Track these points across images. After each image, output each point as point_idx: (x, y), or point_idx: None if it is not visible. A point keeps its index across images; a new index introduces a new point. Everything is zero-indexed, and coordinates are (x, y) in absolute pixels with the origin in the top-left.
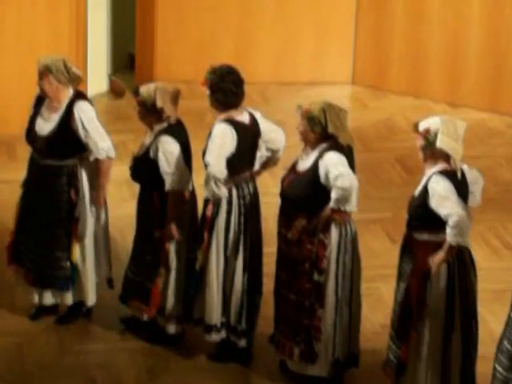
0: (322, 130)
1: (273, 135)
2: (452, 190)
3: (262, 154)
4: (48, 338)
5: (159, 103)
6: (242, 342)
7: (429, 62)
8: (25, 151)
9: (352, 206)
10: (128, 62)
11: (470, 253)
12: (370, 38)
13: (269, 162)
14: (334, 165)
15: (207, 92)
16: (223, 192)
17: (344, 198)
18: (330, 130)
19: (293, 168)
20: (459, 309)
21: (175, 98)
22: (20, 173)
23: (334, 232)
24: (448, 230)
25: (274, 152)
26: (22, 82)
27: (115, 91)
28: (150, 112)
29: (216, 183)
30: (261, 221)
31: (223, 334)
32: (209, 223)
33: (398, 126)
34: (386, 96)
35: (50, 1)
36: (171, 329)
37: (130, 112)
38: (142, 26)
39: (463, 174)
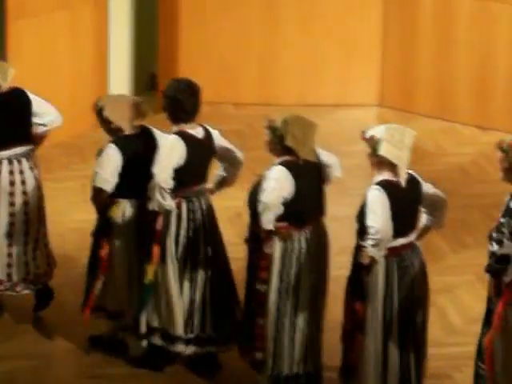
0: (281, 142)
1: (230, 156)
2: (381, 202)
3: (217, 173)
4: (66, 361)
5: (105, 112)
6: (211, 349)
7: (457, 85)
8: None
9: (263, 223)
10: (150, 82)
11: (419, 262)
12: (397, 60)
13: (224, 182)
14: (268, 179)
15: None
16: (169, 203)
17: (260, 212)
18: (288, 142)
19: (260, 177)
20: (397, 317)
21: (134, 109)
22: None
23: (278, 246)
24: (366, 240)
25: (230, 173)
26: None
27: (138, 112)
28: (104, 122)
29: (161, 193)
30: (219, 234)
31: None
32: (159, 237)
33: (426, 149)
34: (413, 119)
35: (71, 22)
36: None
37: None
38: (165, 47)
39: (415, 186)
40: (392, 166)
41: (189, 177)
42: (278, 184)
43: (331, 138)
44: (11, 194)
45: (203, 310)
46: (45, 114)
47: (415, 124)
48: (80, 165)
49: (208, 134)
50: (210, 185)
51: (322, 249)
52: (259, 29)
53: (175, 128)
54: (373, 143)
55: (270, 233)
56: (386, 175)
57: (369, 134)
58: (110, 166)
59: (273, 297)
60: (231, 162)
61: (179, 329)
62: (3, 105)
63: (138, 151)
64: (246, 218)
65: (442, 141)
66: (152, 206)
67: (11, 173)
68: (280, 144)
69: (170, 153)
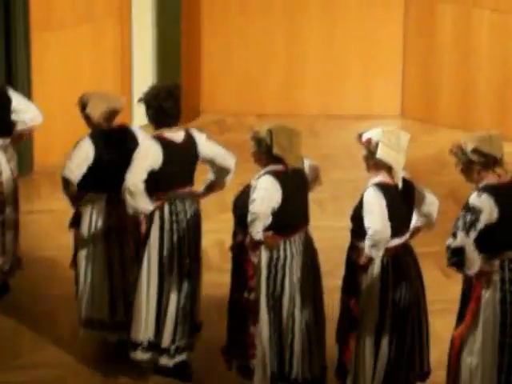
0: (268, 151)
1: (219, 160)
2: (379, 203)
3: (208, 178)
4: (93, 370)
5: (87, 109)
6: (171, 362)
7: (478, 95)
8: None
9: (254, 232)
10: None
11: (413, 262)
12: (419, 71)
13: (214, 186)
14: (257, 189)
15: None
16: (143, 206)
17: (250, 222)
18: (275, 151)
19: (247, 186)
20: (391, 315)
21: (112, 109)
22: (62, 202)
23: (264, 254)
24: (365, 241)
25: (220, 177)
26: (66, 113)
27: None
28: (86, 118)
29: (132, 196)
30: (200, 241)
31: (149, 354)
32: (143, 239)
33: (448, 159)
34: (435, 129)
35: (95, 35)
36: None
37: None
38: (188, 59)
39: (409, 187)
40: (388, 169)
41: (168, 180)
42: (268, 194)
43: (353, 148)
44: None
45: (175, 320)
46: (23, 111)
47: (437, 135)
48: None
49: (190, 139)
50: (199, 189)
51: (309, 257)
52: (282, 40)
53: (155, 133)
54: (370, 146)
55: (257, 242)
56: (382, 177)
57: (365, 136)
58: (78, 157)
59: (263, 304)
60: (221, 166)
61: (139, 335)
62: None
63: (112, 146)
64: None
65: None
66: (128, 209)
67: None
68: (266, 154)
69: (143, 157)
